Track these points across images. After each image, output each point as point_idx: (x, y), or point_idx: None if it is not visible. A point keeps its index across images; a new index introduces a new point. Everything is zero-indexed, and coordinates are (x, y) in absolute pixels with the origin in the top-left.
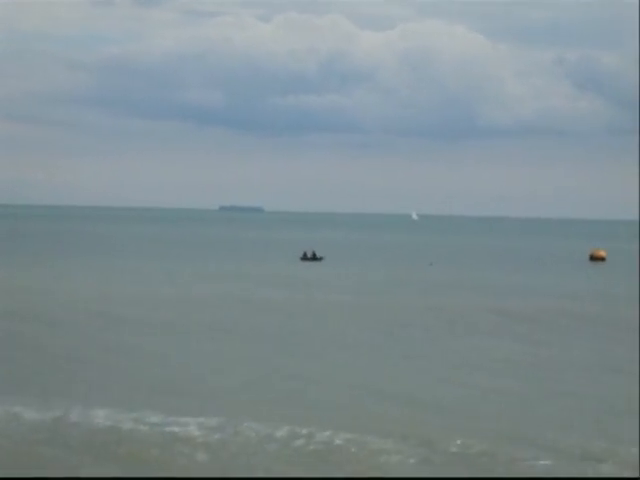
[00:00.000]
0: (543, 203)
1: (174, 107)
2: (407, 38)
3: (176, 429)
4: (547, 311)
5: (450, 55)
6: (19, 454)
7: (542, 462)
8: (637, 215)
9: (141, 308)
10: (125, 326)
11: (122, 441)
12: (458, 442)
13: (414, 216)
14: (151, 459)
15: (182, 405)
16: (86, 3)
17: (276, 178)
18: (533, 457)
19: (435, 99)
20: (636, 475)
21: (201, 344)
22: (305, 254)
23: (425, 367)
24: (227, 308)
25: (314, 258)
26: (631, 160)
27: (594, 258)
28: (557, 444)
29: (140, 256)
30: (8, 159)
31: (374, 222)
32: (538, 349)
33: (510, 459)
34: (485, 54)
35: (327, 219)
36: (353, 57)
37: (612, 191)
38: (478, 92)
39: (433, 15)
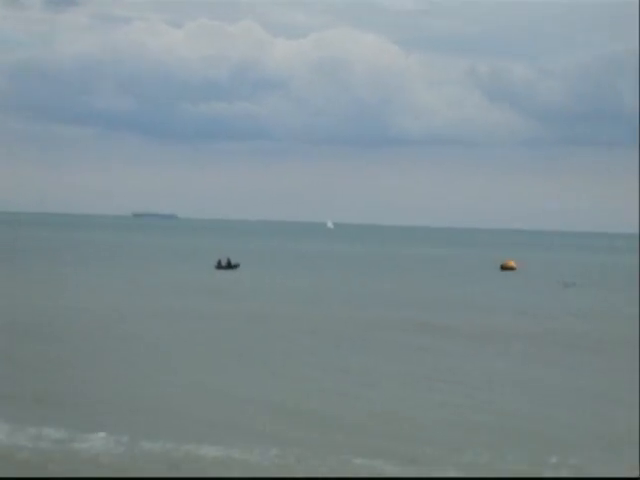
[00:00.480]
0: (458, 213)
1: (85, 113)
2: (320, 47)
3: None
4: (459, 320)
5: (363, 64)
6: None
7: None
8: (543, 225)
9: (43, 318)
10: (35, 338)
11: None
12: (342, 457)
13: (329, 224)
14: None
15: (84, 420)
16: None
17: (189, 185)
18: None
19: (348, 108)
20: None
21: (104, 354)
22: (220, 262)
23: (333, 381)
24: (135, 318)
25: (229, 266)
26: (543, 171)
27: (505, 268)
28: (448, 460)
29: (51, 264)
30: None
31: (290, 230)
32: (442, 360)
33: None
34: (398, 64)
35: (241, 226)
36: (265, 65)
37: (523, 201)
38: (391, 101)
39: (347, 24)
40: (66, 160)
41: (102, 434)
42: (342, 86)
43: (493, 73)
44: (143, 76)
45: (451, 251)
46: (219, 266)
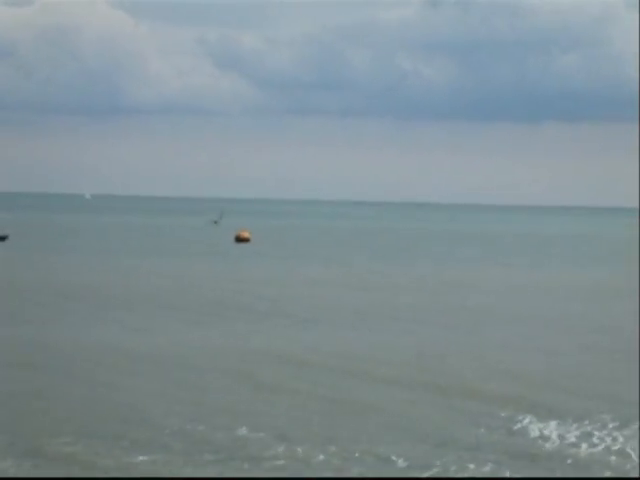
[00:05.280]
0: (194, 181)
1: None
2: (46, 14)
3: None
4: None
5: (91, 32)
6: None
7: None
8: (278, 193)
9: None
10: None
11: None
12: None
13: (87, 196)
14: None
15: None
16: None
17: None
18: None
19: (76, 76)
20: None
21: None
22: None
23: None
24: None
25: None
26: (274, 139)
27: (239, 239)
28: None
29: None
30: None
31: (48, 203)
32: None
33: None
34: (127, 31)
35: None
36: None
37: (253, 171)
38: (121, 69)
39: None
40: None
41: None
42: (70, 54)
43: (222, 42)
44: None
45: (191, 220)
46: None
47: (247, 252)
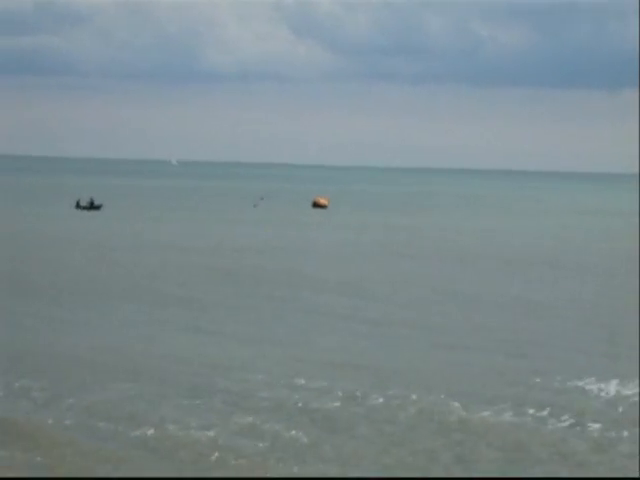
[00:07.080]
0: (270, 148)
1: None
2: None
3: None
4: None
5: None
6: None
7: None
8: (352, 161)
9: None
10: None
11: None
12: None
13: (173, 162)
14: None
15: None
16: None
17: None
18: None
19: (154, 42)
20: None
21: None
22: (78, 202)
23: None
24: None
25: (92, 207)
26: (350, 106)
27: (316, 205)
28: None
29: None
30: None
31: (136, 169)
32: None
33: None
34: None
35: (72, 165)
36: None
37: (330, 138)
38: (198, 35)
39: None
40: None
41: None
42: (147, 20)
43: (298, 7)
44: None
45: (271, 186)
46: (78, 206)
47: (324, 219)
